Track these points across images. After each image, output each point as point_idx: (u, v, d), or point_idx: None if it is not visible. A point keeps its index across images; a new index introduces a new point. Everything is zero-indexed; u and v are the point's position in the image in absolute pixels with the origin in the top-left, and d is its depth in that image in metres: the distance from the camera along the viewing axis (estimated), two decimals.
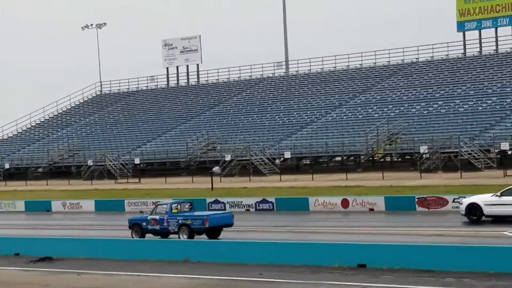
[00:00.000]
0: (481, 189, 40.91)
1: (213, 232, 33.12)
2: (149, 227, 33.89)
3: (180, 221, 33.09)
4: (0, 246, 31.65)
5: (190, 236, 32.61)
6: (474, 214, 34.92)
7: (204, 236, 32.98)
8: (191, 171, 68.29)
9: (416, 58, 79.23)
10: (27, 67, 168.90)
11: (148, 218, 34.03)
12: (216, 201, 46.43)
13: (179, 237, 32.78)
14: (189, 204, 35.09)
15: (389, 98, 73.09)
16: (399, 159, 64.34)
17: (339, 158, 66.54)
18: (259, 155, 66.76)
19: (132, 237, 33.98)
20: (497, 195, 34.48)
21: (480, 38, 76.35)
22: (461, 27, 76.28)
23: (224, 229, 33.50)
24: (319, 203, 45.08)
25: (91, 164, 74.96)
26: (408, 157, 62.66)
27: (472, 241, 28.76)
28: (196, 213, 34.40)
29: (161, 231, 33.54)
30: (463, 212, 35.31)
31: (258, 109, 79.78)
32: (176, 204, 34.39)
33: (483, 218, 34.75)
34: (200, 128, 78.75)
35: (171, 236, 33.18)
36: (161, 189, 58.89)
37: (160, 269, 25.40)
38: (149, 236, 33.89)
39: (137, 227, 34.28)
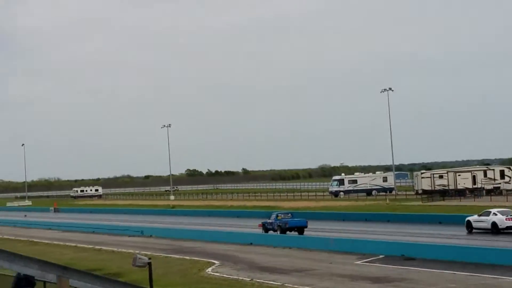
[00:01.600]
0: None
1: (297, 230, 54.49)
2: (268, 226, 56.22)
3: (277, 224, 55.21)
4: None
5: (282, 232, 54.11)
6: (469, 226, 50.43)
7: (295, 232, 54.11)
8: None
9: None
10: None
11: (268, 221, 56.60)
12: None
13: (277, 233, 54.17)
14: (290, 214, 57.84)
15: None
16: None
17: None
18: None
19: (262, 232, 55.67)
20: (478, 215, 50.56)
21: None
22: None
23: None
24: None
25: None
26: None
27: None
28: (284, 219, 55.44)
29: (271, 229, 55.66)
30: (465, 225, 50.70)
31: None
32: (280, 214, 57.17)
33: (473, 230, 49.67)
34: None
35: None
36: None
37: None
38: (270, 232, 55.19)
39: (263, 226, 56.72)
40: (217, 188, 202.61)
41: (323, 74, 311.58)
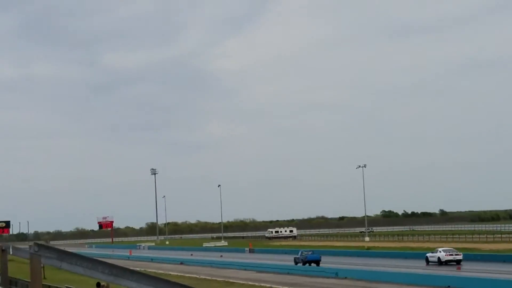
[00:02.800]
0: None
1: (314, 262, 76.67)
2: (297, 260, 78.56)
3: (301, 258, 78.24)
4: None
5: (303, 264, 76.29)
6: (427, 260, 73.53)
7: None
8: None
9: None
10: None
11: (297, 256, 79.79)
12: None
13: (301, 264, 76.78)
14: (311, 252, 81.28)
15: None
16: None
17: None
18: None
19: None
20: (431, 252, 75.17)
21: None
22: None
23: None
24: None
25: None
26: None
27: None
28: (305, 255, 78.56)
29: (298, 261, 77.80)
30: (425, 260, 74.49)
31: None
32: (304, 252, 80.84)
33: (429, 263, 72.65)
34: None
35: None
36: None
37: None
38: (298, 264, 77.16)
39: (294, 260, 79.55)
40: (413, 230, 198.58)
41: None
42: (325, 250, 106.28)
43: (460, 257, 71.32)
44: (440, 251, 73.26)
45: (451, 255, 71.75)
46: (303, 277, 62.79)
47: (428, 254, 74.44)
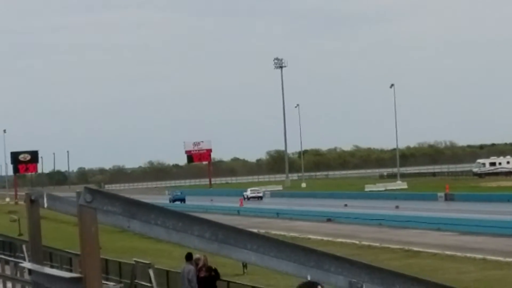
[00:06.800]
0: None
1: (179, 201, 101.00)
2: (170, 197, 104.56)
3: (170, 199, 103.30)
4: None
5: (172, 201, 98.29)
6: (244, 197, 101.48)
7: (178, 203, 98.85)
8: None
9: None
10: None
11: (171, 196, 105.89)
12: None
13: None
14: (180, 192, 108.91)
15: None
16: None
17: None
18: None
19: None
20: (245, 191, 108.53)
21: None
22: None
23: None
24: None
25: None
26: None
27: None
28: (173, 194, 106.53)
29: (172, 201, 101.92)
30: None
31: None
32: (173, 192, 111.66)
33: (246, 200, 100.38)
34: None
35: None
36: None
37: None
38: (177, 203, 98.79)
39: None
40: None
41: None
42: None
43: None
44: (248, 191, 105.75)
45: None
46: None
47: (244, 192, 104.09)
